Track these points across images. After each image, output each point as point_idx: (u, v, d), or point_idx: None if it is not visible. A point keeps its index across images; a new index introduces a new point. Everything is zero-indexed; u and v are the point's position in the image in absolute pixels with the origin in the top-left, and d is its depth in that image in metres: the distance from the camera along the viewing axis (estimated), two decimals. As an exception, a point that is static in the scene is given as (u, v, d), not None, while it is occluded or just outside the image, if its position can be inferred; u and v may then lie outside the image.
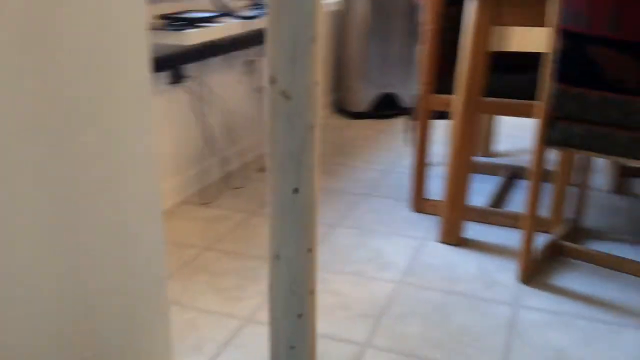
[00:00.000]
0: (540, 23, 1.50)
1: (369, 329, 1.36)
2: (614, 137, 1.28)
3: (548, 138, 1.39)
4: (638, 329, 1.34)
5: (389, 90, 3.08)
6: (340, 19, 3.09)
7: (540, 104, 1.40)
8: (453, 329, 1.35)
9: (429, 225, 1.87)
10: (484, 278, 1.56)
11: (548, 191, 2.09)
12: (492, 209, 1.93)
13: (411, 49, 3.05)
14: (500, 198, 2.07)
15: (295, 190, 0.80)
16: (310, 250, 0.84)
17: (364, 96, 3.06)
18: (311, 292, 0.87)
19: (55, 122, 0.76)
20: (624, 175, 2.19)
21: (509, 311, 1.42)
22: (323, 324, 1.38)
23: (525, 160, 2.42)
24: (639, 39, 1.16)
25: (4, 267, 0.72)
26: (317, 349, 1.29)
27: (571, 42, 1.24)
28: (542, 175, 1.47)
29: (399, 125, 2.96)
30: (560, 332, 1.33)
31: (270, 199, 0.82)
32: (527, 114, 1.60)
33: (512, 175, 2.26)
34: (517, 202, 2.03)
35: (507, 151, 2.55)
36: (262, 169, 2.35)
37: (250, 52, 2.38)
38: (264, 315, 1.42)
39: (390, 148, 2.61)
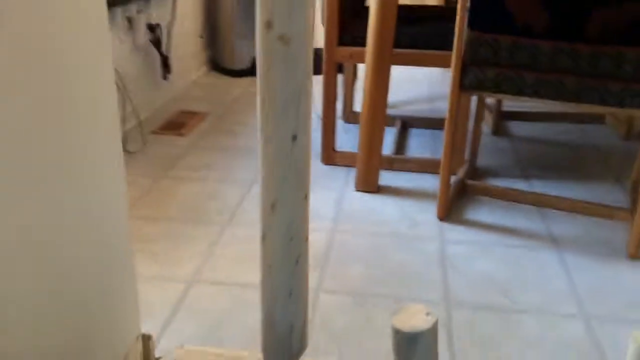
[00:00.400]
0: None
1: (317, 276, 1.39)
2: (523, 79, 1.41)
3: (463, 83, 1.49)
4: (548, 249, 1.52)
5: (269, 47, 3.06)
6: (218, -27, 2.98)
7: (453, 52, 1.49)
8: (392, 267, 1.43)
9: (343, 176, 1.93)
10: (407, 219, 1.66)
11: (437, 137, 2.25)
12: (399, 156, 2.04)
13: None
14: (399, 146, 2.19)
15: (294, 137, 0.80)
16: (306, 197, 0.85)
17: (243, 53, 3.01)
18: (306, 238, 0.88)
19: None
20: (502, 118, 2.43)
21: (437, 246, 1.53)
22: (268, 278, 1.38)
23: (414, 110, 2.57)
24: (553, -12, 1.29)
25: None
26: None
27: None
28: (451, 120, 1.58)
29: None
30: (484, 259, 1.48)
31: (265, 148, 0.80)
32: (439, 64, 1.70)
33: (405, 125, 2.39)
34: (415, 148, 2.17)
35: (396, 103, 2.68)
36: (157, 131, 2.24)
37: (129, 8, 2.23)
38: (207, 275, 1.38)
39: (284, 104, 2.61)
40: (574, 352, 1.17)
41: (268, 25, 0.74)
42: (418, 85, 2.96)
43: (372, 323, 1.24)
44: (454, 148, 1.80)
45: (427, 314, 0.91)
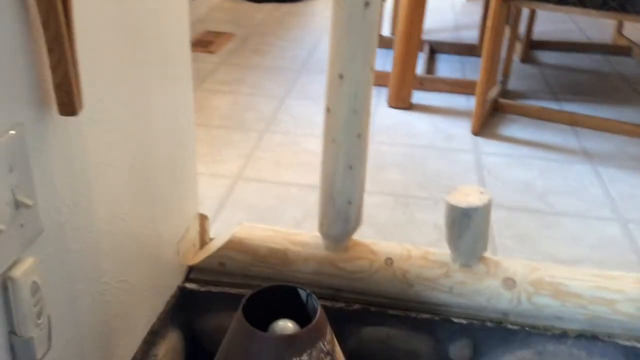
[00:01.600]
0: None
1: (356, 179, 1.42)
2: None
3: (508, -7, 1.48)
4: (580, 163, 1.55)
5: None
6: None
7: (498, -39, 1.48)
8: (429, 173, 1.46)
9: (374, 94, 1.93)
10: (441, 133, 1.68)
11: (470, 63, 2.25)
12: (429, 76, 2.04)
13: None
14: (429, 68, 2.19)
15: (367, 4, 0.80)
16: (371, 69, 0.86)
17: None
18: (368, 113, 0.89)
19: None
20: (530, 47, 2.41)
21: (473, 157, 1.55)
22: (310, 177, 1.41)
23: (441, 37, 2.55)
24: None
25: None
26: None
27: None
28: (494, 30, 1.58)
29: (304, 7, 2.93)
30: (520, 169, 1.50)
31: (337, 14, 0.81)
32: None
33: (433, 50, 2.38)
34: (443, 71, 2.16)
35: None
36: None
37: None
38: (251, 173, 1.41)
39: (309, 28, 2.59)
40: (611, 249, 1.21)
41: None
42: (443, 14, 2.92)
43: (413, 219, 1.28)
44: (491, 70, 1.80)
45: (481, 192, 0.94)
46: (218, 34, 2.39)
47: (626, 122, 1.72)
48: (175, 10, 0.82)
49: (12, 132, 0.50)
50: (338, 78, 0.85)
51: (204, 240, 1.03)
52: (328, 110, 0.88)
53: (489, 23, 1.55)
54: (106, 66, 0.65)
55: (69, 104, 0.55)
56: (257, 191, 1.35)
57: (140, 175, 0.77)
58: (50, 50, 0.52)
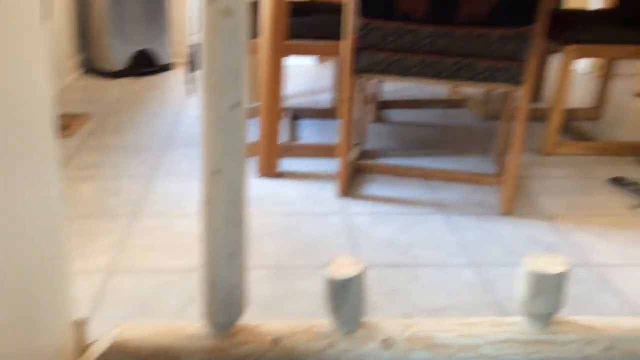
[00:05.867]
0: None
1: (233, 255, 1.44)
2: (408, 61, 1.58)
3: (356, 67, 1.63)
4: (435, 214, 1.71)
5: (144, 46, 3.02)
6: (88, -28, 2.88)
7: (346, 39, 1.63)
8: (304, 240, 1.53)
9: (241, 165, 1.99)
10: (310, 198, 1.77)
11: (328, 126, 2.40)
12: (294, 143, 2.14)
13: (161, 3, 3.02)
14: (293, 135, 2.30)
15: (235, 105, 0.86)
16: (245, 163, 0.91)
17: (118, 54, 2.95)
18: (246, 202, 0.94)
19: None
20: (380, 107, 2.63)
21: (342, 218, 1.65)
22: (187, 260, 1.42)
23: (297, 102, 2.69)
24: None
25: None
26: (197, 277, 1.33)
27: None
28: (349, 103, 1.72)
29: (161, 81, 2.95)
30: (384, 226, 1.62)
31: (208, 116, 0.86)
32: (331, 53, 1.82)
33: (295, 115, 2.50)
34: (305, 136, 2.28)
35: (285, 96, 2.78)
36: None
37: None
38: (124, 263, 1.38)
39: (168, 101, 2.61)
40: (468, 293, 1.35)
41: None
42: (298, 79, 3.09)
43: (293, 290, 1.33)
44: (348, 133, 1.94)
45: (355, 263, 1.02)
46: (74, 116, 2.32)
47: (467, 171, 1.94)
48: (40, 99, 0.82)
49: None
50: (213, 173, 0.89)
51: (82, 349, 0.99)
52: (206, 201, 0.91)
53: (343, 95, 1.69)
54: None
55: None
56: (133, 282, 1.32)
57: (3, 283, 0.74)
58: None
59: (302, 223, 1.62)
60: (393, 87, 2.94)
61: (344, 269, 1.00)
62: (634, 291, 1.37)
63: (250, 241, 1.51)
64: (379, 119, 2.54)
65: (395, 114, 2.59)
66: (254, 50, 1.86)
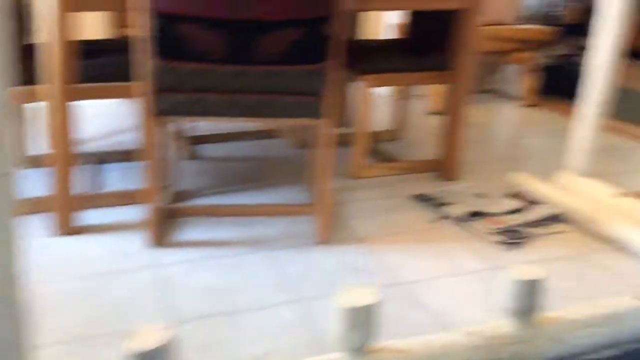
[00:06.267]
0: (117, 7, 1.61)
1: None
2: (209, 101, 1.53)
3: (156, 110, 1.54)
4: (257, 252, 1.67)
5: None
6: None
7: (140, 82, 1.53)
8: (108, 305, 1.39)
9: (31, 224, 1.77)
10: (116, 254, 1.62)
11: (136, 169, 2.25)
12: (97, 192, 1.97)
13: None
14: (96, 183, 2.11)
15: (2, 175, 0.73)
16: (15, 241, 0.78)
17: None
18: (18, 279, 0.80)
19: None
20: (193, 143, 2.54)
21: (153, 272, 1.53)
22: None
23: (96, 146, 2.50)
24: (220, 15, 1.42)
25: None
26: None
27: (163, 21, 1.41)
28: (151, 148, 1.61)
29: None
30: (202, 273, 1.54)
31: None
32: (124, 95, 1.70)
33: (95, 161, 2.31)
34: (110, 182, 2.12)
35: (83, 140, 2.56)
36: None
37: None
38: None
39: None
40: (292, 333, 1.32)
41: None
42: (96, 120, 2.88)
43: (100, 363, 1.19)
44: (156, 176, 1.83)
45: (161, 331, 0.93)
46: None
47: (282, 204, 1.94)
48: None
49: None
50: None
51: None
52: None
53: (147, 141, 1.58)
54: None
55: None
56: None
57: None
58: None
59: (106, 284, 1.47)
60: (205, 122, 2.87)
61: (149, 339, 0.91)
62: (442, 305, 1.46)
63: (41, 316, 1.33)
64: (192, 156, 2.45)
65: (209, 149, 2.53)
66: (33, 98, 1.68)
